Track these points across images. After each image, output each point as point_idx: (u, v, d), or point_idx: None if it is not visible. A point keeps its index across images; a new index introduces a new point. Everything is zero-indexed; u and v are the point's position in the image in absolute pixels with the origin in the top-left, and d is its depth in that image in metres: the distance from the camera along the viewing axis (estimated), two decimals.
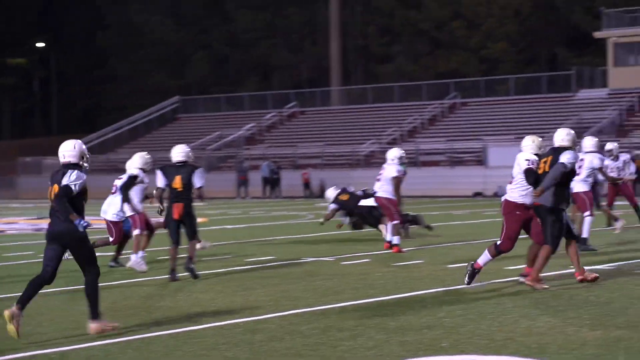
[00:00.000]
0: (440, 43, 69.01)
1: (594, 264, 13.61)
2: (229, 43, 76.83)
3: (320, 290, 11.60)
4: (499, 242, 11.45)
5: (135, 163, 14.84)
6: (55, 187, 9.15)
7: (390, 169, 16.30)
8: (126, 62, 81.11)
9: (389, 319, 9.40)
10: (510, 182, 11.57)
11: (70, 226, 8.80)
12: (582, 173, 15.71)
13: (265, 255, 15.91)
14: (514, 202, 11.42)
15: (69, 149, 9.38)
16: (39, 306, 10.71)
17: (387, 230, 16.49)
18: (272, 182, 46.91)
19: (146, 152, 15.38)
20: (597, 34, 52.54)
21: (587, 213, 15.82)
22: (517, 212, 11.36)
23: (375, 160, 50.01)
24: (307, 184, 48.00)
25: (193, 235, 13.22)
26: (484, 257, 11.50)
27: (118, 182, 14.77)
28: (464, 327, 8.87)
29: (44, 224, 27.25)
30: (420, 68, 68.57)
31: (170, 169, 13.36)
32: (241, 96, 63.82)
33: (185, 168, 13.27)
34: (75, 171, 9.16)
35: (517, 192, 11.40)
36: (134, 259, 14.28)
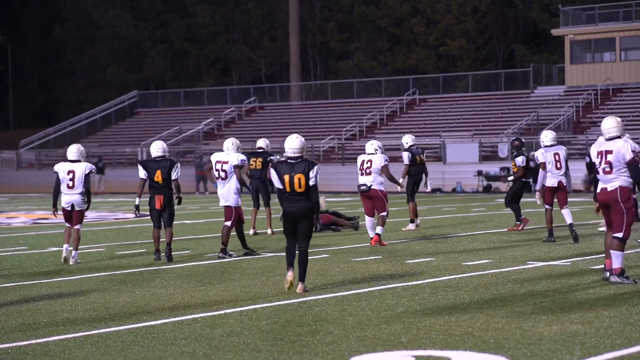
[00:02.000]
0: (399, 40, 69.19)
1: (553, 259, 13.75)
2: (187, 37, 76.51)
3: (280, 285, 11.59)
4: (620, 235, 10.93)
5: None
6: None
7: (377, 158, 16.26)
8: (84, 56, 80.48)
9: (348, 314, 9.43)
10: (609, 171, 11.02)
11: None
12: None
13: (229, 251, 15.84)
14: (628, 187, 11.06)
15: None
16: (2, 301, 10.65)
17: (370, 224, 16.21)
18: None
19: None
20: (555, 32, 52.93)
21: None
22: (633, 196, 11.13)
23: (334, 156, 50.11)
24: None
25: (170, 223, 14.63)
26: (617, 258, 11.00)
27: (226, 168, 14.88)
28: (422, 322, 8.92)
29: (2, 218, 27.05)
30: (379, 64, 68.75)
31: (150, 163, 14.63)
32: (200, 91, 63.60)
33: (165, 162, 14.62)
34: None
35: (626, 177, 11.01)
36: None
